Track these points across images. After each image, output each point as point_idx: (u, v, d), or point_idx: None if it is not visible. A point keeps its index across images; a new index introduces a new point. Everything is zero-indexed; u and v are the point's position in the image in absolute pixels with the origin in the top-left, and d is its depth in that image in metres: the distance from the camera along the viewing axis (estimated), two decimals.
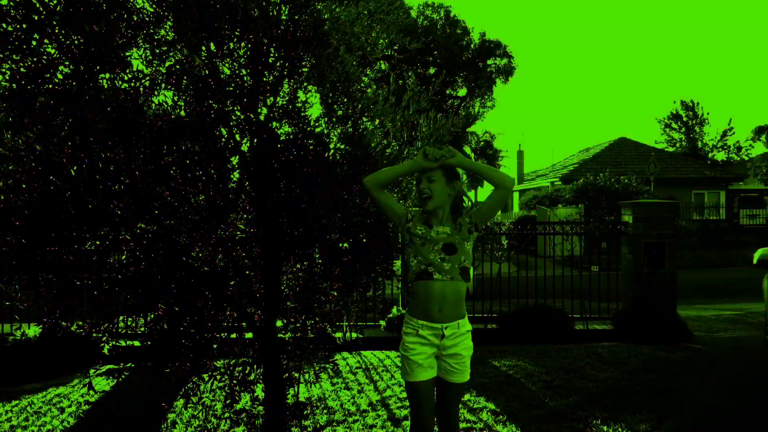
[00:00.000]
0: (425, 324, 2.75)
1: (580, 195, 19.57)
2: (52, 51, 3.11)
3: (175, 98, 3.44)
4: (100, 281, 3.38)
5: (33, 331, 6.31)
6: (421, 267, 2.77)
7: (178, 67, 3.39)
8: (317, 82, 3.66)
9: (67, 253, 3.25)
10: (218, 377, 3.83)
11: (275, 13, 3.47)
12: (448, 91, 33.26)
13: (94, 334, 3.51)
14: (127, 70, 3.25)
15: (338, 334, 6.76)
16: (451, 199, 2.88)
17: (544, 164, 43.51)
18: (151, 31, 3.33)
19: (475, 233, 2.88)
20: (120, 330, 3.66)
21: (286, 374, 3.94)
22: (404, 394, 5.10)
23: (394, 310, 7.55)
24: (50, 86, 3.10)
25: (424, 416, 2.77)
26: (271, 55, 3.54)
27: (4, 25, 2.98)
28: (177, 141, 3.36)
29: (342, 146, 3.78)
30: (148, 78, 3.31)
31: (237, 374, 3.85)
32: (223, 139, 3.55)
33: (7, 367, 5.87)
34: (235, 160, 3.64)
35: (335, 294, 3.91)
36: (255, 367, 3.92)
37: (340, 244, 3.77)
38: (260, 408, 4.00)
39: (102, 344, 3.63)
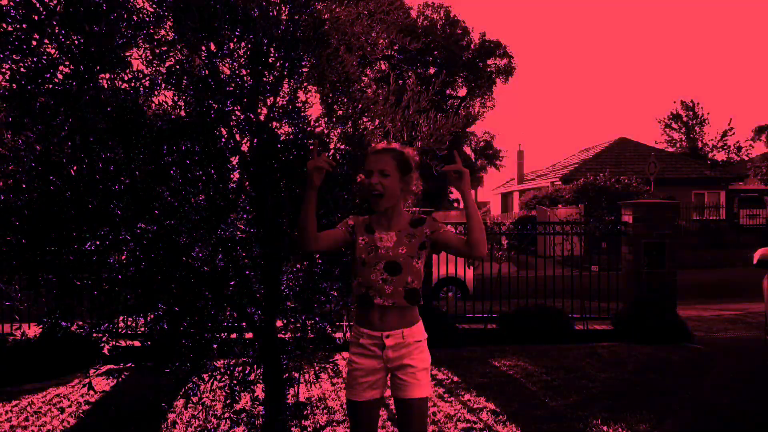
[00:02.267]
0: (366, 332, 2.43)
1: (580, 195, 19.57)
2: (52, 51, 3.11)
3: (175, 98, 3.44)
4: (100, 281, 3.38)
5: (33, 331, 6.31)
6: (361, 290, 2.41)
7: (178, 67, 3.39)
8: (317, 82, 3.66)
9: (67, 253, 3.25)
10: (218, 377, 3.83)
11: (275, 13, 3.48)
12: (448, 91, 33.26)
13: (94, 334, 3.51)
14: (127, 70, 3.25)
15: (338, 334, 6.76)
16: (403, 198, 2.49)
17: (544, 164, 43.53)
18: (151, 31, 3.33)
19: (426, 250, 2.48)
20: (120, 330, 3.66)
21: (286, 374, 3.94)
22: None
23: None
24: (50, 86, 3.10)
25: None
26: (271, 55, 3.54)
27: (4, 25, 2.98)
28: (177, 141, 3.36)
29: (342, 146, 3.78)
30: (148, 78, 3.31)
31: (237, 374, 3.85)
32: (223, 139, 3.56)
33: (7, 367, 5.86)
34: (235, 160, 3.64)
35: (335, 294, 3.91)
36: (255, 367, 3.92)
37: None
38: (260, 408, 4.00)
39: (102, 344, 3.63)
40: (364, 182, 2.45)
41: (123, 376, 3.81)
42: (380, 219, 2.48)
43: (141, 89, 3.29)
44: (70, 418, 4.74)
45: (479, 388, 5.19)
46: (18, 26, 3.00)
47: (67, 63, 3.15)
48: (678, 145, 37.34)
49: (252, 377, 3.89)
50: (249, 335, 3.95)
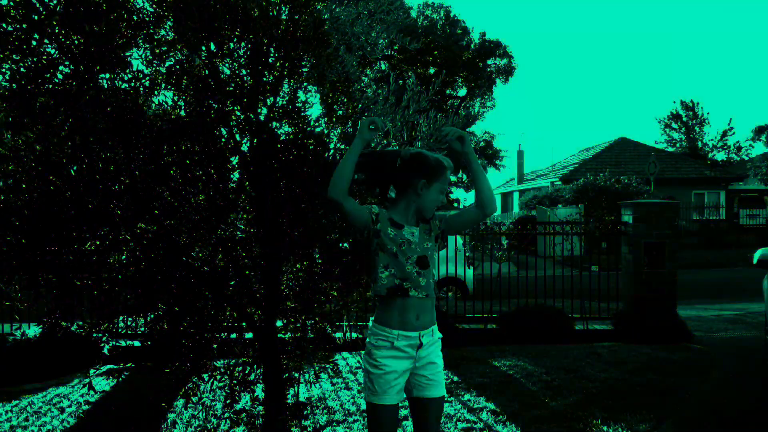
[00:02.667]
0: (402, 334, 2.38)
1: (580, 195, 19.57)
2: (52, 51, 3.11)
3: (175, 98, 3.44)
4: (100, 281, 3.38)
5: (33, 331, 6.31)
6: (395, 282, 2.40)
7: (178, 67, 3.39)
8: (317, 82, 3.67)
9: (67, 253, 3.25)
10: (218, 377, 3.83)
11: (275, 13, 3.48)
12: (448, 91, 33.26)
13: (94, 334, 3.51)
14: (127, 70, 3.25)
15: (338, 334, 6.76)
16: (414, 191, 2.47)
17: (544, 164, 43.53)
18: (151, 31, 3.33)
19: (439, 243, 2.54)
20: (120, 330, 3.67)
21: (286, 374, 3.94)
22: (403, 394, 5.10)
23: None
24: (50, 86, 3.11)
25: None
26: (271, 55, 3.54)
27: (4, 25, 2.98)
28: (177, 141, 3.36)
29: (342, 146, 3.78)
30: (148, 78, 3.32)
31: (237, 374, 3.85)
32: (223, 139, 3.56)
33: (7, 367, 5.86)
34: (235, 160, 3.64)
35: (335, 294, 3.92)
36: (255, 367, 3.92)
37: (340, 244, 3.77)
38: (260, 408, 4.00)
39: (102, 344, 3.63)
40: (437, 200, 2.49)
41: (123, 376, 3.81)
42: (401, 213, 2.49)
43: (141, 89, 3.30)
44: (70, 418, 4.74)
45: (479, 388, 5.19)
46: (18, 26, 3.01)
47: (67, 63, 3.15)
48: (678, 145, 37.34)
49: (252, 377, 3.89)
50: (249, 335, 3.95)
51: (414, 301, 2.39)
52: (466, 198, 47.55)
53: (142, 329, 3.67)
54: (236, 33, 3.42)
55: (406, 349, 2.39)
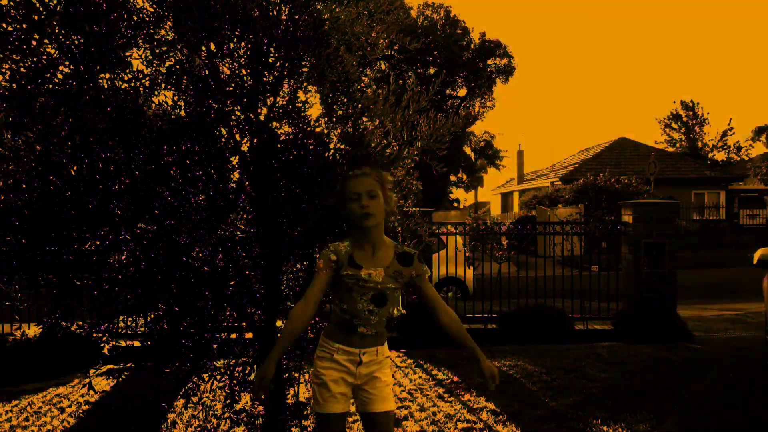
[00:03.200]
0: (342, 348, 2.43)
1: (580, 195, 19.58)
2: (52, 51, 3.11)
3: (175, 98, 3.44)
4: (100, 281, 3.38)
5: (33, 331, 6.31)
6: (345, 317, 2.42)
7: (178, 67, 3.39)
8: (317, 82, 3.66)
9: (67, 253, 3.25)
10: (218, 377, 3.83)
11: (275, 13, 3.47)
12: (448, 91, 33.25)
13: (94, 334, 3.51)
14: (127, 70, 3.25)
15: None
16: (385, 218, 2.45)
17: (544, 164, 43.54)
18: (151, 31, 3.33)
19: (403, 283, 2.48)
20: (120, 330, 3.67)
21: (286, 374, 3.94)
22: (403, 394, 5.10)
23: (395, 311, 7.55)
24: (50, 86, 3.10)
25: None
26: (271, 55, 3.54)
27: (4, 25, 2.98)
28: (177, 141, 3.36)
29: (342, 146, 3.78)
30: (148, 78, 3.32)
31: (237, 374, 3.85)
32: (223, 139, 3.56)
33: (7, 367, 5.86)
34: (235, 160, 3.64)
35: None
36: (255, 367, 3.92)
37: None
38: (260, 408, 4.00)
39: (102, 344, 3.63)
40: (353, 207, 2.39)
41: (123, 376, 3.81)
42: (364, 246, 2.44)
43: (141, 89, 3.30)
44: (70, 418, 4.74)
45: (479, 388, 5.19)
46: (18, 26, 3.00)
47: (67, 63, 3.15)
48: (678, 145, 37.36)
49: (252, 377, 3.89)
50: (249, 335, 3.95)
51: (360, 334, 2.42)
52: (466, 198, 47.57)
53: (142, 329, 3.67)
54: (236, 33, 3.42)
55: (344, 363, 2.43)
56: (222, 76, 3.48)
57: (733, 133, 36.51)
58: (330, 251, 2.43)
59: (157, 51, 3.35)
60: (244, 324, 3.84)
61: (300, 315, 2.39)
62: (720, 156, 36.40)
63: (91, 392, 5.23)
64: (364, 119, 3.83)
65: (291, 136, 3.63)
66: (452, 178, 39.04)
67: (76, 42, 3.10)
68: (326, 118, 3.76)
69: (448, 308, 2.52)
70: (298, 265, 3.91)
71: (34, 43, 3.05)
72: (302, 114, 3.62)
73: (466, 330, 2.54)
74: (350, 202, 2.39)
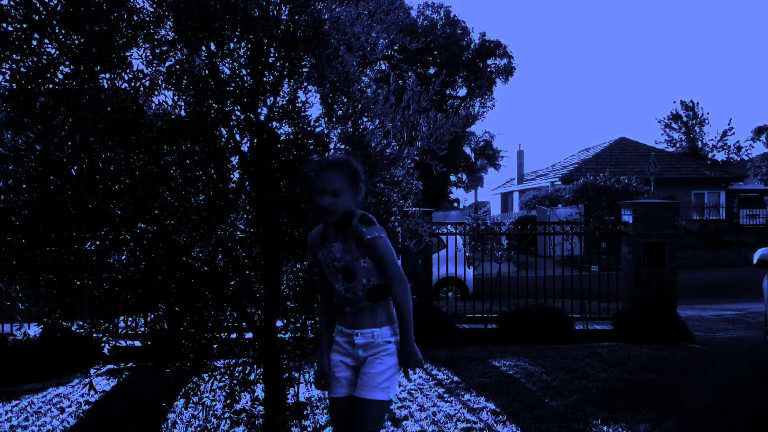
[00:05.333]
0: (341, 330, 2.49)
1: (580, 195, 19.57)
2: (53, 51, 3.11)
3: (175, 98, 3.44)
4: (100, 281, 3.38)
5: (33, 331, 6.31)
6: (333, 300, 2.48)
7: (178, 67, 3.39)
8: (317, 82, 3.66)
9: (68, 253, 3.25)
10: (218, 377, 3.83)
11: (275, 13, 3.48)
12: (448, 91, 33.26)
13: (95, 334, 3.51)
14: (128, 70, 3.25)
15: None
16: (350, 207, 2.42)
17: (544, 164, 43.53)
18: (152, 31, 3.33)
19: (364, 248, 2.38)
20: (120, 330, 3.67)
21: (286, 374, 3.94)
22: (404, 394, 5.10)
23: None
24: (50, 86, 3.11)
25: None
26: (271, 55, 3.54)
27: (4, 25, 2.98)
28: (177, 141, 3.36)
29: (342, 146, 3.78)
30: (148, 78, 3.32)
31: (237, 374, 3.85)
32: (223, 139, 3.56)
33: (7, 367, 5.86)
34: (235, 160, 3.64)
35: None
36: (255, 367, 3.92)
37: None
38: (260, 408, 4.00)
39: (102, 344, 3.63)
40: (317, 200, 2.39)
41: (123, 376, 3.82)
42: (327, 228, 2.49)
43: (141, 89, 3.30)
44: (70, 418, 4.74)
45: (479, 388, 5.19)
46: (18, 26, 3.00)
47: (67, 63, 3.15)
48: (678, 145, 37.36)
49: (252, 377, 3.89)
50: (249, 335, 3.95)
51: (351, 315, 2.45)
52: (466, 198, 47.55)
53: (143, 329, 3.67)
54: (236, 33, 3.42)
55: (344, 345, 2.47)
56: (222, 76, 3.48)
57: (733, 133, 36.54)
58: (308, 239, 2.56)
59: (158, 51, 3.36)
60: (244, 324, 3.84)
61: (323, 309, 2.58)
62: (720, 156, 36.41)
63: (92, 392, 5.23)
64: (364, 119, 3.83)
65: (291, 136, 3.63)
66: (452, 178, 39.05)
67: (77, 42, 3.11)
68: (326, 118, 3.76)
69: (402, 283, 2.39)
70: (298, 265, 3.92)
71: (35, 42, 3.05)
72: (302, 114, 3.62)
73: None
74: (316, 194, 2.40)
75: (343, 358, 2.48)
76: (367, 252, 2.39)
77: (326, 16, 3.54)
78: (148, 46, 3.35)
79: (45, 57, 3.08)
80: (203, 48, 3.42)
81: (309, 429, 4.27)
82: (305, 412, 4.41)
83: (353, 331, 2.43)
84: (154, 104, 3.41)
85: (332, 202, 2.37)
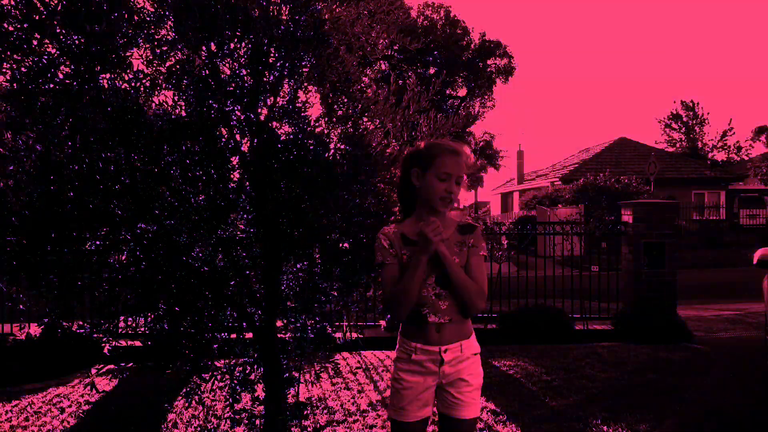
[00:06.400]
0: (420, 348, 2.19)
1: (580, 195, 19.58)
2: (53, 51, 3.11)
3: (176, 98, 3.44)
4: (100, 281, 3.38)
5: (33, 330, 6.31)
6: (412, 308, 2.18)
7: (178, 67, 3.39)
8: (317, 82, 3.66)
9: (68, 253, 3.25)
10: (219, 377, 3.83)
11: (276, 13, 3.48)
12: (448, 91, 33.27)
13: (95, 334, 3.51)
14: (128, 70, 3.25)
15: (338, 334, 6.76)
16: (414, 187, 2.25)
17: (544, 164, 43.53)
18: (152, 30, 3.33)
19: (466, 256, 2.22)
20: (120, 330, 3.67)
21: (287, 374, 3.94)
22: None
23: None
24: (51, 86, 3.10)
25: None
26: (272, 55, 3.54)
27: (5, 24, 2.98)
28: (177, 141, 3.36)
29: (342, 146, 3.78)
30: (148, 78, 3.31)
31: (237, 374, 3.85)
32: (224, 139, 3.55)
33: (7, 367, 5.86)
34: (235, 160, 3.64)
35: (335, 294, 3.91)
36: (255, 367, 3.92)
37: (340, 244, 3.77)
38: (260, 408, 4.00)
39: (102, 344, 3.63)
40: (439, 188, 2.17)
41: (123, 376, 3.81)
42: (414, 224, 2.22)
43: (141, 89, 3.29)
44: (70, 418, 4.74)
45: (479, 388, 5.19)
46: (19, 26, 3.00)
47: (67, 63, 3.14)
48: (678, 145, 37.39)
49: (252, 377, 3.89)
50: (249, 335, 3.95)
51: (434, 325, 2.19)
52: (466, 198, 47.57)
53: (143, 329, 3.67)
54: (237, 33, 3.42)
55: (426, 364, 2.19)
56: (222, 76, 3.48)
57: (733, 133, 36.61)
58: (380, 238, 2.22)
59: (158, 51, 3.35)
60: (244, 324, 3.84)
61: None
62: (720, 156, 36.44)
63: (92, 392, 5.23)
64: (365, 119, 3.83)
65: (291, 136, 3.63)
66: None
67: (77, 42, 3.10)
68: (326, 118, 3.76)
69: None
70: (298, 265, 3.91)
71: (35, 42, 3.05)
72: (302, 114, 3.62)
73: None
74: (436, 179, 2.17)
75: (423, 377, 2.22)
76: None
77: (326, 17, 3.54)
78: (148, 46, 3.34)
79: (45, 57, 3.08)
80: (203, 48, 3.42)
81: (309, 429, 4.27)
82: (305, 412, 4.41)
83: (440, 348, 2.19)
84: (154, 104, 3.41)
85: (454, 190, 2.19)
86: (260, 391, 3.97)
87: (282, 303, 3.86)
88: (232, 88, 3.46)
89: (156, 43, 3.35)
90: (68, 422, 4.65)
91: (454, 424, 2.23)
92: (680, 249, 10.78)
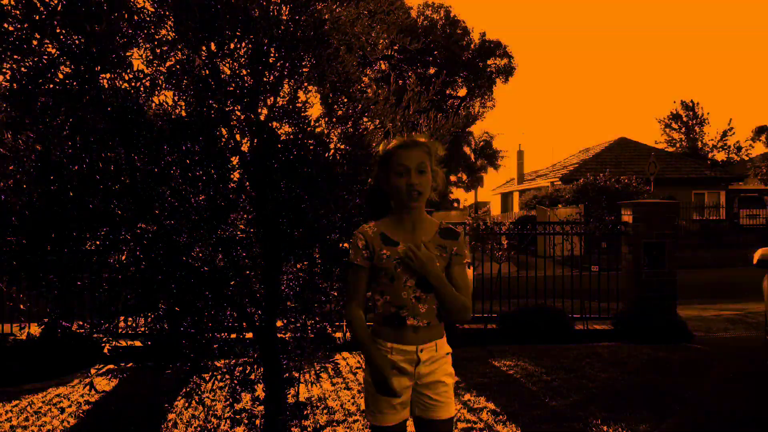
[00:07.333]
0: (395, 347, 2.15)
1: (580, 195, 19.58)
2: (53, 51, 3.11)
3: (176, 98, 3.44)
4: (100, 281, 3.38)
5: (33, 330, 6.31)
6: (390, 309, 2.15)
7: (178, 67, 3.39)
8: (317, 82, 3.66)
9: (68, 253, 3.25)
10: (219, 377, 3.83)
11: (276, 13, 3.48)
12: (448, 91, 33.28)
13: (95, 335, 3.51)
14: (128, 70, 3.25)
15: (338, 334, 6.76)
16: (385, 190, 2.22)
17: (544, 164, 43.54)
18: (152, 30, 3.33)
19: (447, 260, 2.21)
20: (120, 330, 3.67)
21: (287, 374, 3.94)
22: None
23: None
24: (51, 86, 3.10)
25: None
26: (272, 55, 3.54)
27: (5, 24, 2.98)
28: (177, 141, 3.36)
29: (342, 146, 3.78)
30: (148, 78, 3.31)
31: (237, 374, 3.85)
32: (224, 139, 3.55)
33: (7, 367, 5.86)
34: (235, 160, 3.64)
35: (335, 294, 3.91)
36: (255, 367, 3.92)
37: (340, 244, 3.77)
38: (260, 408, 4.00)
39: (102, 344, 3.63)
40: (400, 183, 2.15)
41: (123, 376, 3.82)
42: (399, 224, 2.20)
43: (141, 89, 3.29)
44: (70, 418, 4.74)
45: (479, 388, 5.19)
46: (19, 26, 3.00)
47: (67, 63, 3.14)
48: (678, 145, 37.40)
49: (252, 377, 3.89)
50: (249, 335, 3.95)
51: (411, 327, 2.16)
52: (466, 198, 47.59)
53: (143, 329, 3.67)
54: (237, 33, 3.42)
55: (401, 364, 2.16)
56: (222, 76, 3.48)
57: (733, 133, 36.59)
58: (357, 237, 2.18)
59: (158, 51, 3.35)
60: (244, 324, 3.84)
61: (358, 318, 2.17)
62: (720, 156, 36.45)
63: (92, 392, 5.23)
64: (365, 119, 3.83)
65: (291, 136, 3.63)
66: (452, 178, 39.08)
67: (77, 42, 3.10)
68: (326, 118, 3.76)
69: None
70: (298, 265, 3.91)
71: (35, 42, 3.05)
72: (302, 114, 3.62)
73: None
74: (396, 177, 2.16)
75: (398, 379, 2.18)
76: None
77: (327, 17, 3.54)
78: (148, 46, 3.34)
79: (45, 57, 3.08)
80: (203, 48, 3.42)
81: (309, 429, 4.27)
82: (305, 412, 4.41)
83: (417, 347, 2.16)
84: (154, 104, 3.41)
85: (418, 181, 2.15)
86: (260, 391, 3.97)
87: (282, 303, 3.86)
88: (232, 88, 3.46)
89: (156, 43, 3.35)
90: (68, 422, 4.65)
91: (434, 426, 2.20)
92: (680, 249, 10.79)
